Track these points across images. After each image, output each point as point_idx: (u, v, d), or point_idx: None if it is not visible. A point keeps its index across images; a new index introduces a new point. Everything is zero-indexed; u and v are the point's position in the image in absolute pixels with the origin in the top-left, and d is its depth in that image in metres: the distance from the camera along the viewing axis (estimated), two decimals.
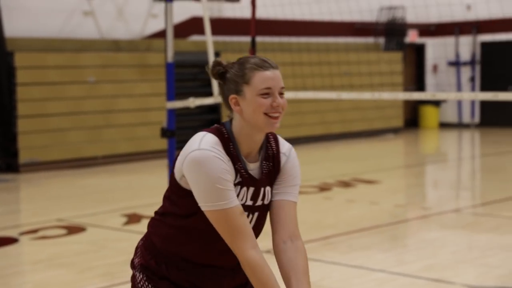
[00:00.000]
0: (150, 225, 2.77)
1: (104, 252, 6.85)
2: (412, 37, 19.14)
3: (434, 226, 7.94)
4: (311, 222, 8.03)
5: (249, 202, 2.62)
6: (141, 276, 2.71)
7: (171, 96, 8.10)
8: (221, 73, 2.62)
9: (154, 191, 8.14)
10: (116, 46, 13.62)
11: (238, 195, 2.57)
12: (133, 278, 2.75)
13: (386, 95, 8.38)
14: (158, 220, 2.71)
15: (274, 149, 2.71)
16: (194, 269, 2.66)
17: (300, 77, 15.37)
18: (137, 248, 2.79)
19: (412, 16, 17.65)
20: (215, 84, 9.27)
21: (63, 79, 12.48)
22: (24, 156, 12.04)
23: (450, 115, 19.69)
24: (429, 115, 19.40)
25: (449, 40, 19.43)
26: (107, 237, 7.43)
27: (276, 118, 2.56)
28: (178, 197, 2.62)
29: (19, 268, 6.62)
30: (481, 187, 11.04)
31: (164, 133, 7.93)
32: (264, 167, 2.66)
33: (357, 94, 8.76)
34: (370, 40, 18.20)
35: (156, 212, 2.76)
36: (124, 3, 13.98)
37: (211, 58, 8.76)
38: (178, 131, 8.32)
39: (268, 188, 2.67)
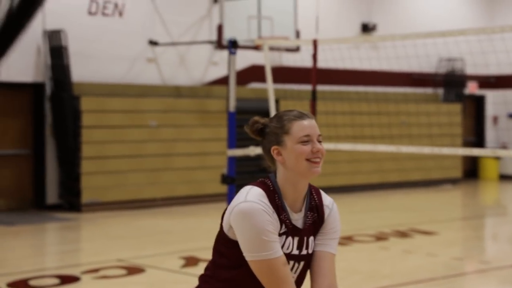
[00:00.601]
0: (201, 280, 2.85)
1: None
2: (471, 88, 19.06)
3: (492, 281, 7.87)
4: (367, 271, 8.04)
5: (295, 252, 2.72)
6: None
7: (232, 145, 8.28)
8: (260, 129, 2.79)
9: (211, 234, 8.20)
10: (177, 92, 13.93)
11: (284, 245, 2.67)
12: None
13: (446, 151, 8.41)
14: (208, 276, 2.81)
15: (317, 201, 2.82)
16: None
17: (359, 127, 15.46)
18: None
19: (471, 67, 17.63)
20: None
21: (125, 123, 12.81)
22: (86, 196, 12.35)
23: (511, 167, 19.42)
24: (489, 166, 19.19)
25: (510, 92, 19.28)
26: (165, 279, 7.57)
27: (317, 163, 2.70)
28: (227, 248, 2.72)
29: None
30: None
31: (225, 179, 8.10)
32: (308, 217, 2.77)
33: (417, 148, 8.81)
34: (428, 90, 18.19)
35: (206, 268, 2.85)
36: (185, 51, 14.33)
37: (272, 105, 8.95)
38: (237, 176, 8.48)
39: (311, 238, 2.77)
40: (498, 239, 11.35)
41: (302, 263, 2.75)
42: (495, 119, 19.78)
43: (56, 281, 7.47)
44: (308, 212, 2.77)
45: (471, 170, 19.35)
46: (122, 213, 12.30)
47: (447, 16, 18.51)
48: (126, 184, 12.80)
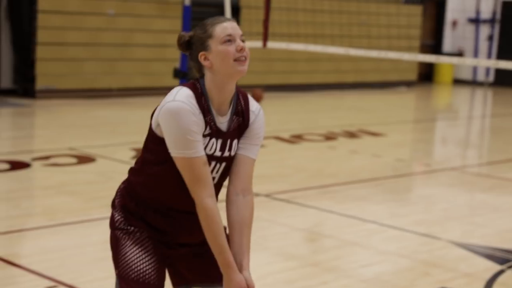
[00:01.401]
0: (130, 173, 2.97)
1: (111, 183, 7.10)
2: None
3: (432, 183, 8.18)
4: (312, 170, 8.29)
5: (218, 153, 2.82)
6: (119, 216, 2.92)
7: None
8: (186, 41, 2.85)
9: None
10: None
11: (207, 146, 2.78)
12: (112, 217, 2.95)
13: (392, 55, 8.53)
14: (137, 169, 2.92)
15: (243, 106, 2.89)
16: (169, 213, 2.88)
17: (319, 25, 15.45)
18: (118, 190, 2.99)
19: None
20: None
21: (83, 9, 12.64)
22: (41, 83, 12.30)
23: (465, 72, 19.74)
24: (444, 71, 19.46)
25: None
26: (115, 169, 7.71)
27: (243, 61, 2.77)
28: (154, 144, 2.83)
29: (29, 193, 6.93)
30: (486, 147, 11.23)
31: (177, 73, 8.14)
32: (234, 121, 2.85)
33: (365, 51, 8.90)
34: None
35: (136, 162, 2.96)
36: None
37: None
38: (190, 72, 8.53)
39: (235, 141, 2.86)
40: (445, 142, 11.68)
41: (223, 164, 2.86)
42: (454, 23, 19.90)
43: (6, 166, 7.57)
44: (234, 116, 2.86)
45: (427, 73, 19.62)
46: (76, 102, 12.33)
47: None
48: (82, 73, 12.76)
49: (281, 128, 10.71)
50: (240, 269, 2.78)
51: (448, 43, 19.91)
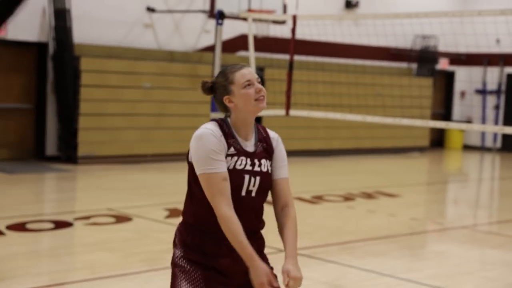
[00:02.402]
0: (183, 212, 3.19)
1: (146, 240, 7.17)
2: (443, 64, 19.20)
3: (445, 240, 8.11)
4: (332, 227, 8.26)
5: (249, 167, 3.05)
6: (179, 252, 3.11)
7: (214, 108, 8.42)
8: (210, 87, 3.13)
9: None
10: (171, 56, 14.00)
11: (237, 162, 3.02)
12: (173, 255, 3.15)
13: (417, 122, 8.57)
14: (186, 206, 3.15)
15: (264, 135, 3.17)
16: (223, 235, 3.00)
17: (337, 96, 15.60)
18: (176, 230, 3.20)
19: (443, 45, 17.76)
20: None
21: (121, 83, 12.88)
22: (82, 150, 12.47)
23: (474, 139, 19.68)
24: (454, 137, 19.43)
25: (478, 70, 19.45)
26: (150, 228, 7.76)
27: (262, 100, 3.04)
28: (192, 175, 3.07)
29: (72, 249, 6.97)
30: (496, 207, 11.12)
31: None
32: (258, 145, 3.12)
33: (380, 118, 8.97)
34: (403, 65, 18.31)
35: (184, 203, 3.18)
36: (180, 18, 14.36)
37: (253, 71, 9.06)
38: None
39: (264, 160, 3.10)
40: (457, 203, 11.59)
41: (258, 178, 3.06)
42: (463, 94, 19.97)
43: (51, 225, 7.64)
44: (258, 142, 3.12)
45: (438, 140, 19.60)
46: (115, 167, 12.45)
47: None
48: (120, 140, 12.92)
49: (303, 189, 10.72)
50: (286, 258, 3.01)
51: (457, 112, 19.93)
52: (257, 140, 3.11)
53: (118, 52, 13.22)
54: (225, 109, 3.10)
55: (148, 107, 13.24)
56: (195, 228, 3.06)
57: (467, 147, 19.60)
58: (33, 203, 9.22)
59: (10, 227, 7.41)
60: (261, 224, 3.15)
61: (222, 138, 3.00)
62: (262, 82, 14.98)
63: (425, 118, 17.23)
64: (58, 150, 12.77)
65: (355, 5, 17.15)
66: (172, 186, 10.81)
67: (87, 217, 8.08)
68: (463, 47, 18.24)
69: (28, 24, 12.34)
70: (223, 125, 3.04)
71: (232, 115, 3.07)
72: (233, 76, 3.03)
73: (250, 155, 3.05)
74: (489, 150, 19.26)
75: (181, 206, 9.14)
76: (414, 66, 18.36)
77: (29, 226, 7.56)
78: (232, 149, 3.01)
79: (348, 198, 10.38)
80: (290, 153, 16.09)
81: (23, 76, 12.68)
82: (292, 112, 9.42)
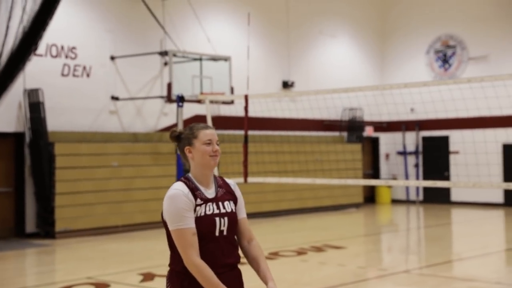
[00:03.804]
0: (169, 265, 3.18)
1: None
2: (368, 132, 19.52)
3: (388, 284, 8.01)
4: (289, 280, 8.08)
5: (216, 211, 3.12)
6: None
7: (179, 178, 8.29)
8: (176, 136, 3.23)
9: (165, 254, 8.17)
10: (135, 137, 13.83)
11: (206, 209, 3.09)
12: None
13: (351, 181, 8.58)
14: (171, 254, 3.16)
15: (221, 182, 3.27)
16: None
17: (282, 163, 15.62)
18: (166, 280, 3.19)
19: (368, 115, 18.12)
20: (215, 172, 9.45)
21: (92, 164, 12.62)
22: (59, 225, 12.05)
23: (400, 194, 19.89)
24: (383, 193, 19.60)
25: (398, 135, 19.84)
26: None
27: (215, 157, 3.16)
28: (167, 229, 3.09)
29: None
30: (426, 252, 11.11)
31: None
32: (219, 191, 3.21)
33: (327, 180, 8.97)
34: (336, 134, 18.54)
35: (170, 259, 3.17)
36: (142, 104, 14.29)
37: None
38: None
39: (227, 202, 3.19)
40: (392, 250, 11.55)
41: (226, 218, 3.14)
42: (387, 156, 20.27)
43: None
44: (218, 188, 3.22)
45: (370, 196, 19.72)
46: (90, 239, 12.05)
47: (350, 74, 19.02)
48: (93, 214, 12.56)
49: None
50: (266, 281, 3.10)
51: (384, 171, 20.17)
52: (216, 186, 3.20)
53: (88, 137, 13.00)
54: (185, 158, 3.21)
55: (117, 183, 12.97)
56: (182, 274, 3.08)
57: (395, 201, 19.76)
58: (16, 277, 8.76)
59: None
60: (239, 257, 3.20)
61: (190, 194, 3.06)
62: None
63: (358, 178, 17.38)
64: (37, 227, 12.31)
65: (291, 85, 17.41)
66: (143, 253, 10.49)
67: (69, 287, 7.70)
68: (385, 116, 18.65)
69: (6, 117, 12.05)
70: (187, 182, 3.12)
71: (192, 165, 3.18)
72: (198, 133, 3.15)
73: (214, 200, 3.13)
74: (413, 202, 19.45)
75: (154, 270, 8.89)
76: (344, 134, 18.60)
77: None
78: (199, 199, 3.08)
79: (300, 252, 10.22)
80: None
81: (3, 162, 12.30)
82: (249, 179, 9.34)
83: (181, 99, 8.77)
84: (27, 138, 12.27)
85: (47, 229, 12.14)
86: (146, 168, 13.47)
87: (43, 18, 10.88)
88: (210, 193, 3.16)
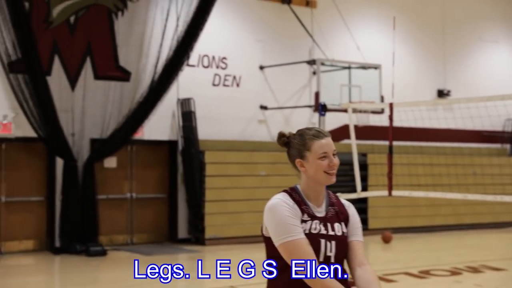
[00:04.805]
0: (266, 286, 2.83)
1: None
2: None
3: None
4: None
5: (323, 232, 2.71)
6: None
7: None
8: (285, 142, 2.81)
9: None
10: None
11: (311, 227, 2.68)
12: None
13: (508, 198, 7.73)
14: (269, 280, 2.79)
15: (334, 200, 2.86)
16: None
17: (437, 176, 14.71)
18: None
19: None
20: (358, 180, 9.00)
21: (241, 172, 12.68)
22: (209, 232, 12.22)
23: None
24: None
25: None
26: None
27: (332, 174, 2.72)
28: (268, 244, 2.74)
29: None
30: None
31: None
32: (330, 210, 2.80)
33: (481, 196, 8.17)
34: (497, 146, 17.15)
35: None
36: (290, 114, 14.17)
37: (355, 157, 8.56)
38: None
39: (337, 224, 2.76)
40: None
41: (333, 242, 2.72)
42: None
43: None
44: (329, 207, 2.80)
45: None
46: (238, 247, 12.07)
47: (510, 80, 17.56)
48: (241, 223, 12.60)
49: (410, 265, 9.87)
50: None
51: None
52: (327, 204, 2.80)
53: (237, 145, 13.10)
54: (295, 168, 2.81)
55: (264, 192, 12.87)
56: None
57: None
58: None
59: None
60: None
61: (295, 206, 2.69)
62: (365, 166, 14.36)
63: None
64: (188, 233, 12.59)
65: (447, 94, 16.41)
66: None
67: None
68: None
69: (160, 125, 12.47)
70: (292, 194, 2.76)
71: (302, 177, 2.76)
72: (312, 144, 2.72)
73: (323, 220, 2.74)
74: None
75: None
76: (507, 146, 17.15)
77: None
78: (305, 215, 2.71)
79: (454, 272, 9.42)
80: (395, 230, 15.15)
81: (158, 170, 12.74)
82: (395, 193, 8.78)
83: (323, 108, 8.46)
84: (180, 146, 12.61)
85: (197, 236, 12.37)
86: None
87: (196, 28, 11.13)
88: (319, 210, 2.75)
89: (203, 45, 12.49)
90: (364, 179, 13.35)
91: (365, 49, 14.71)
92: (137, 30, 12.13)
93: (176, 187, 12.64)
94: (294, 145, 2.77)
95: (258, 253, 11.19)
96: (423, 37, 16.34)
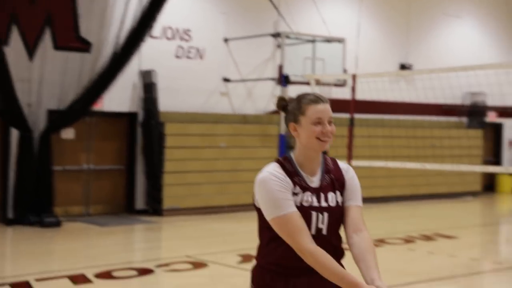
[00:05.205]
0: (256, 257, 2.74)
1: (220, 285, 6.67)
2: (491, 117, 18.18)
3: (504, 279, 7.25)
4: (395, 269, 7.54)
5: (316, 204, 2.58)
6: None
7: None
8: (283, 106, 2.68)
9: None
10: (244, 119, 13.68)
11: (303, 199, 2.56)
12: None
13: (465, 167, 7.86)
14: (259, 250, 2.70)
15: (331, 166, 2.70)
16: (291, 275, 2.57)
17: (396, 147, 14.87)
18: (251, 275, 2.75)
19: (491, 100, 16.84)
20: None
21: (201, 144, 12.62)
22: (167, 203, 12.17)
23: None
24: (505, 182, 18.23)
25: None
26: (223, 273, 7.26)
27: (325, 141, 2.58)
28: (261, 215, 2.61)
29: None
30: None
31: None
32: (325, 178, 2.64)
33: (439, 165, 8.28)
34: (455, 119, 17.41)
35: (257, 249, 2.73)
36: (252, 86, 14.09)
37: None
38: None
39: (331, 194, 2.63)
40: (511, 242, 10.60)
41: (325, 214, 2.59)
42: (511, 143, 18.81)
43: (134, 273, 7.25)
44: (325, 174, 2.65)
45: (490, 185, 18.41)
46: (195, 218, 12.07)
47: (476, 58, 17.68)
48: (200, 194, 12.58)
49: None
50: (373, 283, 2.45)
51: (507, 159, 18.75)
52: (323, 172, 2.64)
53: (198, 117, 13.01)
54: (290, 133, 2.68)
55: (224, 164, 12.90)
56: (265, 269, 2.62)
57: None
58: (121, 252, 8.86)
59: (98, 275, 7.04)
60: (341, 265, 2.58)
61: (287, 178, 2.55)
62: None
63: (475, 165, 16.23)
64: (146, 204, 12.51)
65: (409, 68, 16.52)
66: (245, 234, 10.29)
67: (167, 264, 7.66)
68: (510, 100, 17.25)
69: (121, 97, 12.28)
70: (285, 164, 2.59)
71: (296, 144, 2.64)
72: (306, 108, 2.57)
73: (316, 190, 2.59)
74: None
75: (253, 252, 8.57)
76: (464, 119, 17.43)
77: (114, 274, 7.18)
78: (297, 187, 2.56)
79: (408, 240, 9.60)
80: None
81: (117, 141, 12.58)
82: (354, 163, 8.85)
83: (286, 79, 8.44)
84: (140, 118, 12.45)
85: (155, 207, 12.30)
86: (254, 149, 13.29)
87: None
88: (313, 180, 2.60)
89: (166, 17, 12.27)
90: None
91: (331, 23, 14.67)
92: (99, 0, 11.86)
93: (135, 159, 12.53)
94: (291, 109, 2.63)
95: (216, 224, 11.27)
96: (389, 11, 16.37)
